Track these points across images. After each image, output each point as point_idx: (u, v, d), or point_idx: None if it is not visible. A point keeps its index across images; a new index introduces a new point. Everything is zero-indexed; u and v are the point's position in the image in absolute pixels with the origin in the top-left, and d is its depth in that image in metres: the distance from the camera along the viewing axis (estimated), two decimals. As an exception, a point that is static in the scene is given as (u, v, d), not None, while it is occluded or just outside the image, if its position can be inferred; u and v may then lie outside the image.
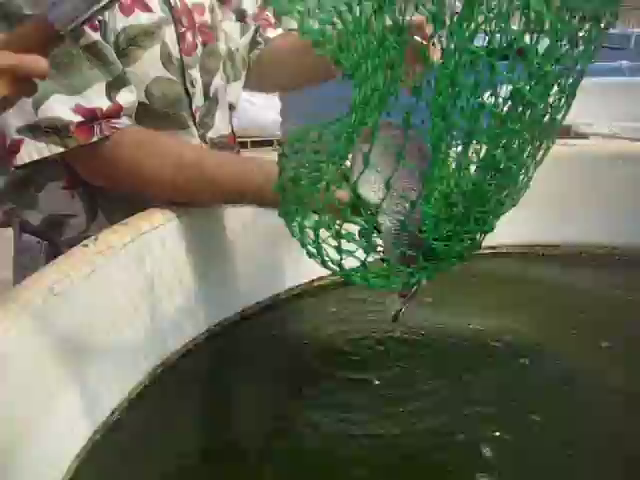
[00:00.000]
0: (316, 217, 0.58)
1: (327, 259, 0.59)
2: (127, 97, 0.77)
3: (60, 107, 0.71)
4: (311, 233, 0.57)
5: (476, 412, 0.66)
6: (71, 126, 0.72)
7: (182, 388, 0.74)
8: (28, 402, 0.56)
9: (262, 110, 3.86)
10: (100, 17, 0.73)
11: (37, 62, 0.50)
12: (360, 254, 0.57)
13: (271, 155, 0.68)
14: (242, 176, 0.76)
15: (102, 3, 0.51)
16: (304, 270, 0.92)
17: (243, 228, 0.85)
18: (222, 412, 0.70)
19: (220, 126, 0.94)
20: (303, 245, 0.59)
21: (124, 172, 0.77)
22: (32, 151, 0.73)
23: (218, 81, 0.91)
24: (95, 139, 0.74)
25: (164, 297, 0.75)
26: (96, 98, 0.74)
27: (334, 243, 0.57)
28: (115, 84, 0.75)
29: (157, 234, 0.73)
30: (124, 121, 0.76)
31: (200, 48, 0.86)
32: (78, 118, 0.72)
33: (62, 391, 0.60)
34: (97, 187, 0.82)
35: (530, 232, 1.04)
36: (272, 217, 0.63)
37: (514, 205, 0.59)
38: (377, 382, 0.71)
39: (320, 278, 0.94)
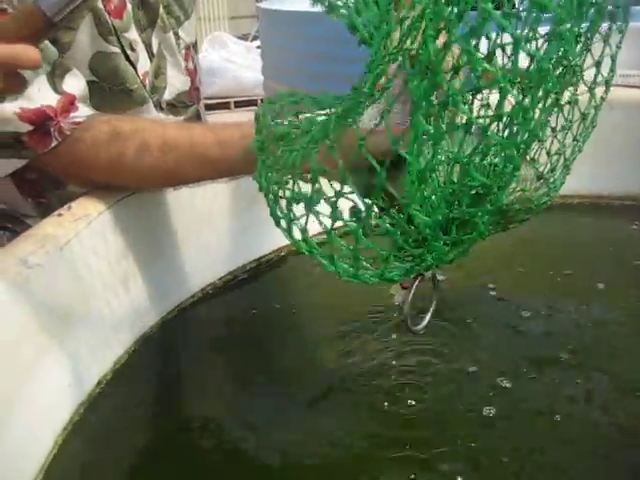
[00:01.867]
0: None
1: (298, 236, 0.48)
2: (75, 82, 0.68)
3: (2, 116, 0.63)
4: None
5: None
6: (23, 137, 0.65)
7: (165, 358, 0.72)
8: (9, 374, 0.54)
9: (242, 69, 3.80)
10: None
11: (27, 52, 0.46)
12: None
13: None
14: (228, 144, 0.67)
15: None
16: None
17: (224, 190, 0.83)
18: (205, 383, 0.69)
19: (175, 83, 0.87)
20: (275, 219, 0.49)
21: (103, 169, 0.69)
22: None
23: (161, 34, 0.83)
24: (55, 144, 0.66)
25: (143, 265, 0.73)
26: (40, 95, 0.65)
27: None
28: (56, 72, 0.67)
29: (131, 201, 0.71)
30: (82, 111, 0.68)
31: (129, 2, 0.77)
32: (27, 127, 0.64)
33: (44, 363, 0.59)
34: (46, 184, 0.76)
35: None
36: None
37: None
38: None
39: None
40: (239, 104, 3.90)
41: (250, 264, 0.88)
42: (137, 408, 0.65)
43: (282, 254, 0.91)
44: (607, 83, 0.51)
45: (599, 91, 0.52)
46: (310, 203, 0.44)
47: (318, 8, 0.52)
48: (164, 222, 0.76)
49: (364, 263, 0.45)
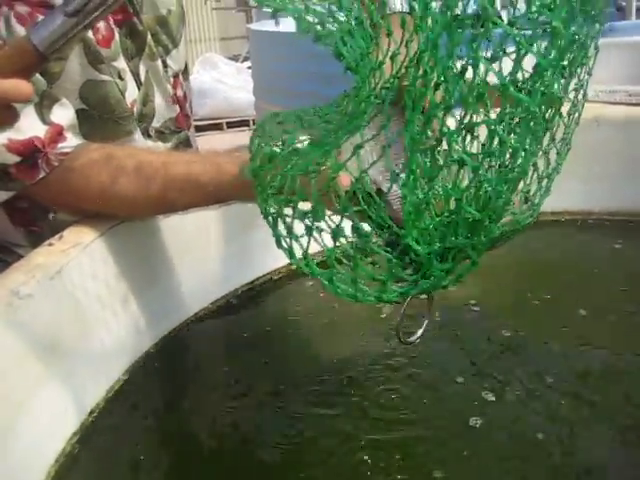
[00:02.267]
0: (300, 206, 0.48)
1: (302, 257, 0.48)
2: (63, 113, 0.68)
3: None
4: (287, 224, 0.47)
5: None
6: (10, 169, 0.65)
7: (158, 384, 0.72)
8: (1, 405, 0.54)
9: (234, 90, 3.82)
10: None
11: (19, 87, 0.47)
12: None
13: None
14: (218, 170, 0.66)
15: (87, 21, 0.48)
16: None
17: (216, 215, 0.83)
18: (199, 408, 0.69)
19: (162, 111, 0.87)
20: (277, 239, 0.48)
21: (94, 198, 0.68)
22: None
23: (148, 62, 0.83)
24: (42, 175, 0.66)
25: (136, 292, 0.73)
26: (28, 126, 0.65)
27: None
28: (44, 103, 0.67)
29: (122, 229, 0.71)
30: (70, 141, 0.68)
31: (117, 31, 0.77)
32: (15, 158, 0.64)
33: (38, 393, 0.58)
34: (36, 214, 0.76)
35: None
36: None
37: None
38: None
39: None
40: (231, 125, 3.92)
41: (242, 287, 0.88)
42: (132, 436, 0.64)
43: (275, 278, 0.91)
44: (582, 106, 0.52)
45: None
46: (310, 228, 0.44)
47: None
48: (156, 249, 0.77)
49: (362, 286, 0.46)
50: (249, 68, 3.64)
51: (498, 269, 0.86)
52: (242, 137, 3.58)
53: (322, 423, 0.63)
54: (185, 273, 0.80)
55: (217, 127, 3.85)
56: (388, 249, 0.46)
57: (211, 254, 0.84)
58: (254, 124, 3.79)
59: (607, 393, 0.64)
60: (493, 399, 0.63)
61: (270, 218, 0.48)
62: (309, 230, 0.45)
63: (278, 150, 0.51)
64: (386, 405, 0.64)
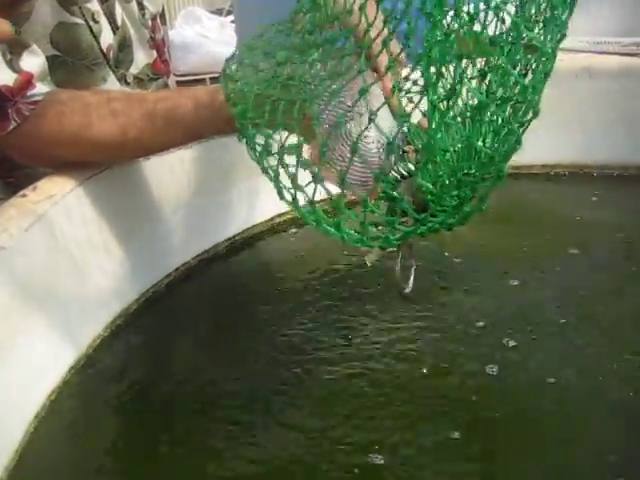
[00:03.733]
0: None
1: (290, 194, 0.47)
2: (33, 60, 0.65)
3: None
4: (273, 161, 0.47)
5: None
6: None
7: (141, 340, 0.70)
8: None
9: (217, 44, 3.74)
10: None
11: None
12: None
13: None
14: (196, 103, 0.64)
15: None
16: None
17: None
18: (181, 364, 0.68)
19: (140, 57, 0.83)
20: (279, 190, 0.48)
21: (68, 143, 0.66)
22: None
23: (123, 4, 0.79)
24: (14, 125, 0.63)
25: (115, 245, 0.71)
26: None
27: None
28: (13, 50, 0.64)
29: (100, 179, 0.69)
30: (40, 88, 0.64)
31: None
32: None
33: (17, 345, 0.57)
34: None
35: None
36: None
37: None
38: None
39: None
40: (214, 80, 3.84)
41: (224, 243, 0.86)
42: (111, 391, 0.63)
43: (259, 231, 0.89)
44: None
45: None
46: (318, 175, 0.44)
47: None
48: (135, 200, 0.74)
49: (370, 229, 0.46)
50: (233, 22, 3.55)
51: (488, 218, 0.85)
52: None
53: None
54: (165, 225, 0.78)
55: (200, 82, 3.77)
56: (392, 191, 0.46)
57: (194, 205, 0.82)
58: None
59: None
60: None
61: (270, 170, 0.47)
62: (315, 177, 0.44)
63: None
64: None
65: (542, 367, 0.60)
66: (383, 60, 0.42)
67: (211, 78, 3.81)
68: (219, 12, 4.63)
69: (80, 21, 0.72)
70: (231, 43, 3.34)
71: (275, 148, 0.47)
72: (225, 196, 0.85)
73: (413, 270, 0.59)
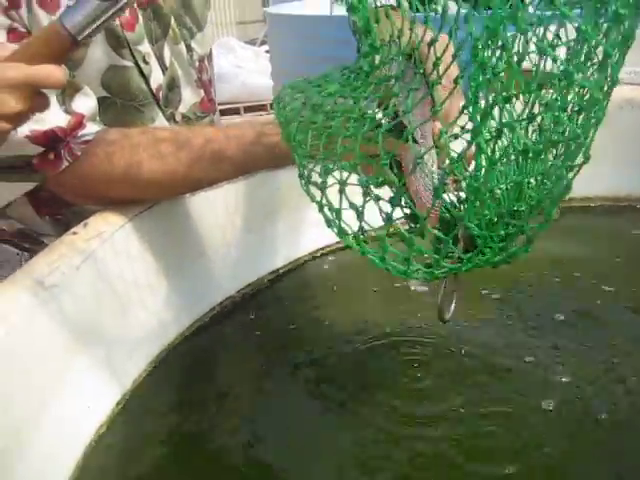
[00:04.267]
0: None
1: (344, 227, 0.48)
2: (85, 102, 0.67)
3: (13, 139, 0.59)
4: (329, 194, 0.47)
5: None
6: (33, 160, 0.63)
7: (184, 375, 0.71)
8: (28, 397, 0.53)
9: (252, 74, 3.79)
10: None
11: (53, 73, 0.46)
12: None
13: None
14: (248, 139, 0.65)
15: (120, 4, 0.47)
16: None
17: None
18: (230, 395, 0.68)
19: (188, 96, 0.85)
20: (320, 208, 0.48)
21: (119, 181, 0.66)
22: (3, 192, 0.67)
23: (172, 45, 0.81)
24: (66, 164, 0.65)
25: (162, 280, 0.72)
26: (51, 116, 0.62)
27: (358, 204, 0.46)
28: (67, 92, 0.65)
29: (148, 215, 0.70)
30: (90, 128, 0.66)
31: (140, 14, 0.75)
32: (37, 149, 0.63)
33: (65, 382, 0.58)
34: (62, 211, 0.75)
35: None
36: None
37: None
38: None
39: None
40: (249, 109, 3.89)
41: (268, 276, 0.86)
42: (158, 426, 0.63)
43: (302, 263, 0.89)
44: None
45: None
46: (361, 214, 0.46)
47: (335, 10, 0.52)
48: (180, 236, 0.75)
49: (414, 263, 0.46)
50: (267, 52, 3.61)
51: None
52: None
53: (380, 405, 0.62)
54: (208, 261, 0.79)
55: (234, 111, 3.82)
56: (440, 229, 0.46)
57: (236, 241, 0.82)
58: (272, 108, 3.76)
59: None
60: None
61: (318, 198, 0.48)
62: (365, 198, 0.45)
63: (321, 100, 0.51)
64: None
65: None
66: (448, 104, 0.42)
67: (245, 107, 3.87)
68: (253, 42, 4.71)
69: (130, 64, 0.74)
70: (265, 73, 3.40)
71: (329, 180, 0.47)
72: (267, 231, 0.85)
73: (455, 297, 0.58)
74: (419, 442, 0.57)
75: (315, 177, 0.49)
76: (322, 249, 0.90)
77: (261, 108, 3.85)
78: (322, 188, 0.47)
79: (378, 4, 0.49)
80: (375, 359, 0.69)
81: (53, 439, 0.56)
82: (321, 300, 0.81)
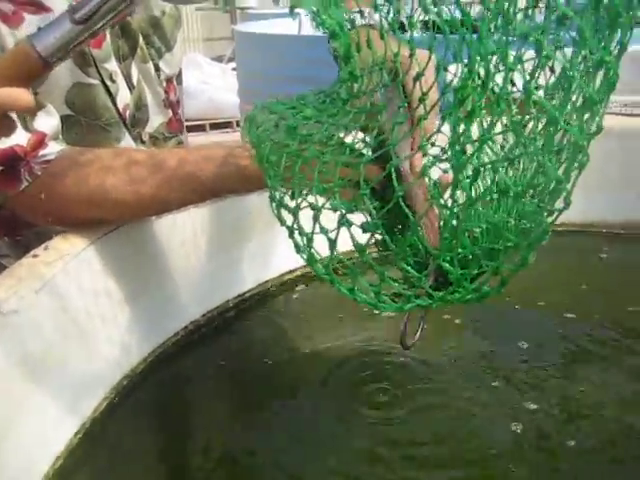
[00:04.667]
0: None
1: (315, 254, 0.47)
2: (47, 120, 0.65)
3: None
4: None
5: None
6: None
7: (146, 404, 0.69)
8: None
9: (218, 91, 3.78)
10: None
11: (19, 95, 0.45)
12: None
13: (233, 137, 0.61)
14: (219, 161, 0.63)
15: (93, 28, 0.45)
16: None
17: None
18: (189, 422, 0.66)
19: (155, 115, 0.83)
20: (290, 233, 0.47)
21: (83, 202, 0.64)
22: None
23: (140, 64, 0.80)
24: (25, 184, 0.63)
25: (125, 304, 0.70)
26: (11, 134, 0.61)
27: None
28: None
29: (111, 238, 0.68)
30: (52, 147, 0.64)
31: (108, 31, 0.73)
32: None
33: (23, 410, 0.55)
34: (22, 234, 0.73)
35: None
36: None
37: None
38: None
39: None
40: (215, 126, 3.88)
41: (234, 300, 0.84)
42: (118, 456, 0.61)
43: (269, 287, 0.88)
44: None
45: None
46: (334, 243, 0.44)
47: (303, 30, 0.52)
48: (146, 259, 0.73)
49: (384, 297, 0.45)
50: (234, 69, 3.60)
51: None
52: (226, 139, 3.54)
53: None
54: (175, 284, 0.77)
55: (201, 128, 3.81)
56: (410, 265, 0.45)
57: (202, 264, 0.81)
58: (238, 126, 3.75)
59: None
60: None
61: (289, 222, 0.47)
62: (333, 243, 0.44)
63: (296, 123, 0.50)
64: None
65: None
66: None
67: (211, 124, 3.85)
68: (220, 59, 4.71)
69: (96, 82, 0.72)
70: (232, 90, 3.39)
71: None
72: (235, 254, 0.84)
73: (422, 323, 0.58)
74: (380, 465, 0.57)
75: (287, 200, 0.48)
76: (291, 272, 0.89)
77: (227, 125, 3.84)
78: (294, 212, 0.46)
79: (357, 23, 0.49)
80: (340, 387, 0.68)
81: (9, 470, 0.53)
82: (288, 326, 0.80)
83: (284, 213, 0.47)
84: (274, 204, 0.48)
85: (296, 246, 0.47)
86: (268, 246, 0.86)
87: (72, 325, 0.63)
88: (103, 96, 0.73)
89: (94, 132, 0.73)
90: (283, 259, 0.87)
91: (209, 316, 0.81)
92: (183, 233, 0.77)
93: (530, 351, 0.72)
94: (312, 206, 0.45)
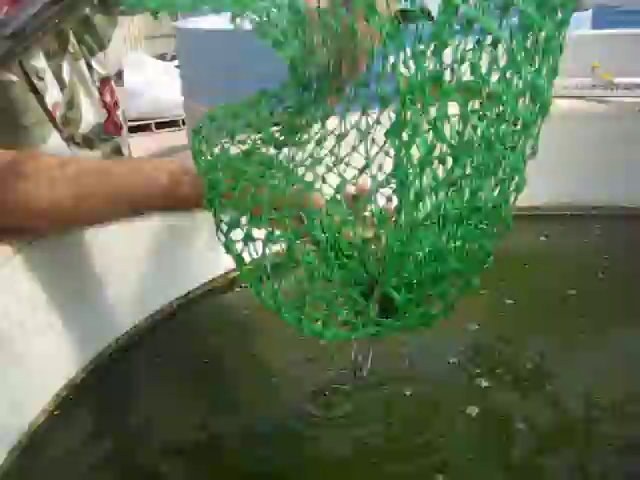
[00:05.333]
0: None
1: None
2: None
3: None
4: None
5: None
6: None
7: (87, 414, 0.67)
8: None
9: (162, 89, 3.72)
10: None
11: None
12: None
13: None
14: (143, 178, 0.60)
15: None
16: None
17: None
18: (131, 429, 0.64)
19: (89, 116, 0.80)
20: (228, 250, 0.46)
21: (9, 210, 0.61)
22: None
23: (72, 62, 0.77)
24: None
25: (60, 312, 0.67)
26: None
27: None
28: None
29: (42, 244, 0.65)
30: None
31: None
32: None
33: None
34: None
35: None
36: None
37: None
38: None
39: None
40: (160, 125, 3.82)
41: (177, 301, 0.83)
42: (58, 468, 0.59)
43: (214, 286, 0.86)
44: None
45: None
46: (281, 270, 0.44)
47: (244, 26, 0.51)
48: (83, 263, 0.71)
49: (333, 327, 0.45)
50: (177, 67, 3.55)
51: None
52: (172, 138, 3.49)
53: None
54: (113, 289, 0.75)
55: (146, 128, 3.74)
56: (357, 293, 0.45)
57: (140, 268, 0.78)
58: (184, 124, 3.70)
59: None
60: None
61: (236, 251, 0.46)
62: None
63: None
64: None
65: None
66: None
67: (157, 124, 3.79)
68: (162, 57, 4.63)
69: (15, 78, 0.68)
70: (175, 88, 3.34)
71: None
72: (178, 254, 0.82)
73: (370, 352, 0.58)
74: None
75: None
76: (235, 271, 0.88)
77: (172, 124, 3.78)
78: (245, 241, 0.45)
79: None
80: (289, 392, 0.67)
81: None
82: (231, 328, 0.79)
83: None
84: (221, 236, 0.47)
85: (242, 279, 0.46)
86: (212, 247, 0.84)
87: (4, 336, 0.60)
88: (25, 94, 0.70)
89: (13, 132, 0.70)
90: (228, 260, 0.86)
91: (151, 319, 0.79)
92: (121, 235, 0.74)
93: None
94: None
